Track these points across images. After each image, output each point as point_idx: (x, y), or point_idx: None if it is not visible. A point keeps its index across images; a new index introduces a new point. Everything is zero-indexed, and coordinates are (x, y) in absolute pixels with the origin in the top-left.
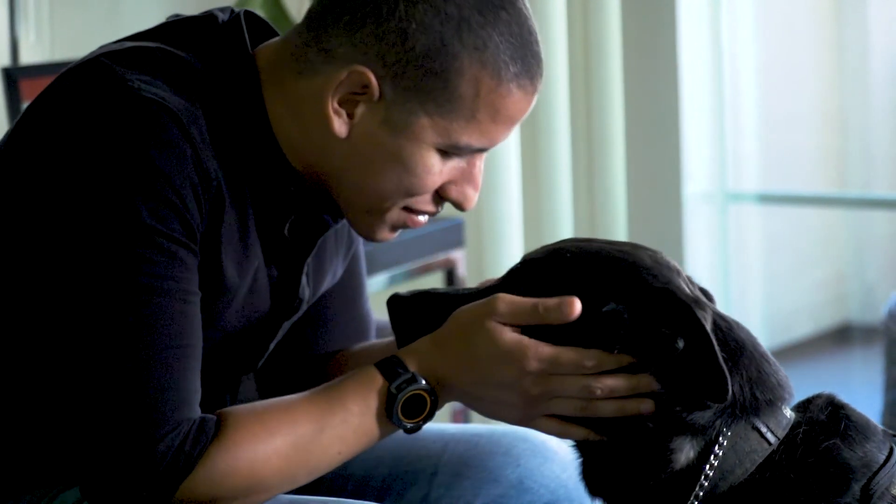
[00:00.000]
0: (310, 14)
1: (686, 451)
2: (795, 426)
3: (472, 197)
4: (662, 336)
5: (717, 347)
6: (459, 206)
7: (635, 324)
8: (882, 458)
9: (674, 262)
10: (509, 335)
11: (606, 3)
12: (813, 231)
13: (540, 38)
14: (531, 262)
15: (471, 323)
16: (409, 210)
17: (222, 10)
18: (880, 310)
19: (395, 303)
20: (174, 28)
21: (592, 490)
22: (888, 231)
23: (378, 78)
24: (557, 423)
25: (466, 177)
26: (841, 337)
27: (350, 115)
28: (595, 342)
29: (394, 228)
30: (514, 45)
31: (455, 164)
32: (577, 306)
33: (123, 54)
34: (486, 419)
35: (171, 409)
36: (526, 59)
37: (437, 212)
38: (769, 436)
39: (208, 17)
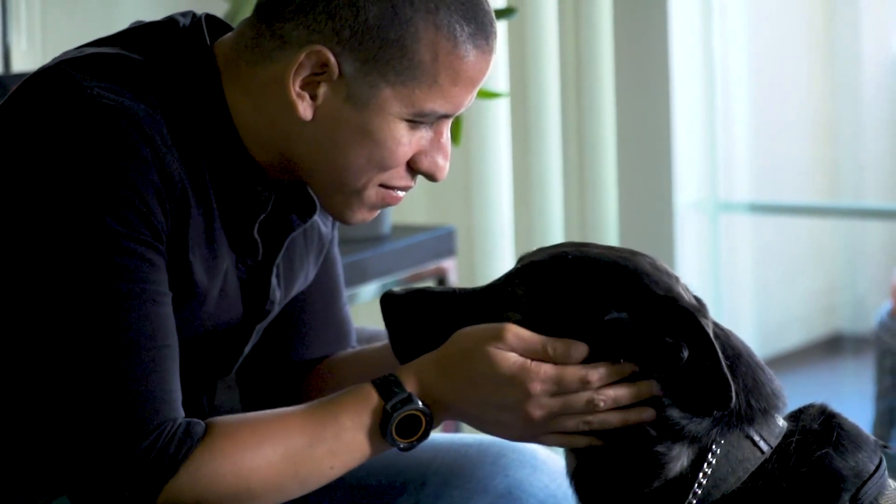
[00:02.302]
0: (259, 5)
1: (680, 460)
2: (788, 435)
3: (444, 166)
4: (667, 345)
5: (721, 356)
6: (432, 177)
7: (639, 332)
8: (872, 467)
9: (672, 270)
10: (512, 359)
11: (598, 13)
12: (804, 241)
13: (535, 48)
14: (532, 266)
15: (474, 347)
16: (386, 187)
17: (184, 14)
18: (871, 320)
19: (388, 301)
20: (134, 34)
21: (584, 499)
22: (879, 241)
23: (336, 55)
24: (560, 436)
25: (435, 146)
26: (832, 347)
27: (313, 97)
28: (598, 351)
29: (372, 208)
30: (465, 6)
31: (423, 133)
32: (585, 351)
33: (83, 61)
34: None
35: (152, 410)
36: (478, 18)
37: (411, 186)
38: (762, 444)
39: (169, 21)
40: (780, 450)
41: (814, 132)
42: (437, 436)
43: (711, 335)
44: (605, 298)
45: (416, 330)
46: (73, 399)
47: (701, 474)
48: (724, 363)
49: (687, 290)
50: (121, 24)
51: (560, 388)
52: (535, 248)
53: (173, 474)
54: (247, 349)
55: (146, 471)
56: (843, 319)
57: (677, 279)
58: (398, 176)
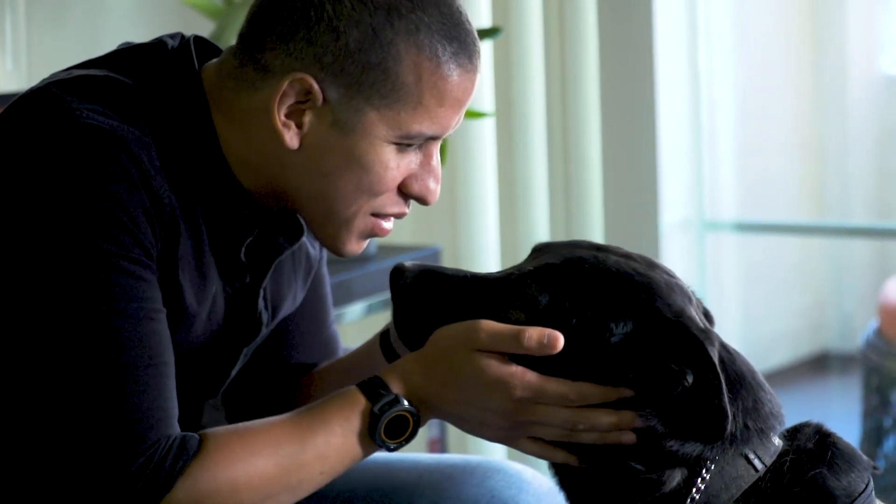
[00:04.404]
0: (241, 35)
1: (674, 478)
2: (783, 454)
3: (435, 190)
4: (671, 371)
5: (724, 388)
6: (423, 201)
7: (644, 355)
8: (863, 487)
9: (686, 285)
10: (496, 365)
11: (583, 31)
12: (791, 259)
13: (520, 67)
14: (547, 269)
15: (454, 350)
16: (376, 216)
17: (172, 36)
18: (858, 338)
19: (397, 275)
20: (123, 56)
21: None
22: (866, 259)
23: (319, 81)
24: (540, 446)
25: (425, 169)
26: (819, 365)
27: (299, 126)
28: (601, 371)
29: (361, 238)
30: (446, 26)
31: (412, 157)
32: (560, 342)
33: (72, 83)
34: (462, 450)
35: (148, 427)
36: (460, 37)
37: (405, 212)
38: (756, 462)
39: (157, 43)
40: (774, 468)
41: (800, 150)
42: (422, 456)
43: (717, 365)
44: (614, 317)
45: (420, 307)
46: (69, 418)
47: (694, 489)
48: (725, 396)
49: (700, 306)
50: (106, 43)
51: (541, 399)
52: (550, 240)
53: (170, 489)
54: (234, 372)
55: (143, 487)
56: (830, 338)
57: (690, 297)
58: (390, 202)
